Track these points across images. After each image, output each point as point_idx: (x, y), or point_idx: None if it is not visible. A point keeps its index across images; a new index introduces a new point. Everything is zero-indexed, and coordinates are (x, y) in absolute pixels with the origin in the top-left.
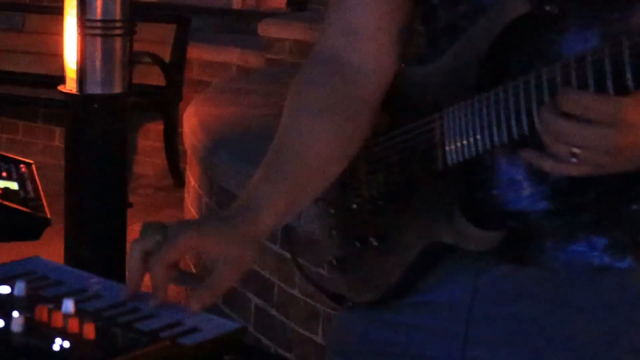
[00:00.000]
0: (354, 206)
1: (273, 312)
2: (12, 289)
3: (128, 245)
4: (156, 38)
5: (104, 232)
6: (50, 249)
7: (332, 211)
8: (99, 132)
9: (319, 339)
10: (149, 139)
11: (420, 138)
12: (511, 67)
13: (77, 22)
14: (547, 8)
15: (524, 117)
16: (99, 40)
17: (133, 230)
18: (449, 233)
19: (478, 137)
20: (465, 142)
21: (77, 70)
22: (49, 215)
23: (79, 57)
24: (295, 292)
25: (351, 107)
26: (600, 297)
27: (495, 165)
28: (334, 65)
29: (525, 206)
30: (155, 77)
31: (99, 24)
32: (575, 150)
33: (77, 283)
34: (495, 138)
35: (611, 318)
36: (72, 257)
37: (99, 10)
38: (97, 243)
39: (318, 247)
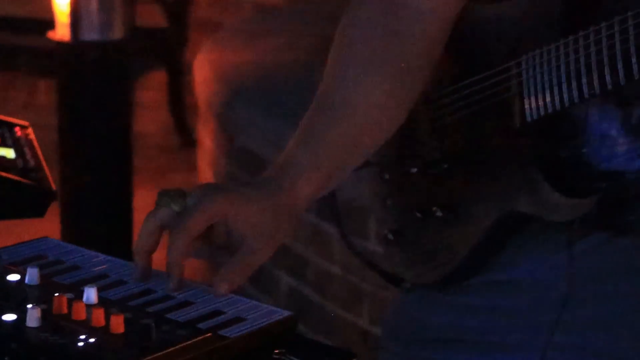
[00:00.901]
0: (414, 170)
1: (308, 292)
2: (23, 276)
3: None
4: None
5: (106, 204)
6: (46, 226)
7: (387, 177)
8: (98, 87)
9: (363, 323)
10: (150, 90)
11: (493, 90)
12: (605, 3)
13: None
14: None
15: (619, 65)
16: None
17: (136, 200)
18: (529, 201)
19: (563, 88)
20: (548, 94)
21: (69, 13)
22: (54, 187)
23: None
24: (335, 269)
25: (408, 53)
26: None
27: (584, 119)
28: (388, 3)
29: (620, 165)
30: (155, 18)
31: None
32: None
33: (97, 267)
34: (585, 89)
35: None
36: (70, 234)
37: None
38: (99, 217)
39: (368, 219)
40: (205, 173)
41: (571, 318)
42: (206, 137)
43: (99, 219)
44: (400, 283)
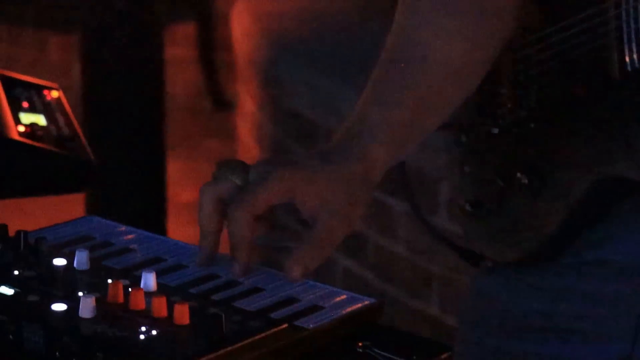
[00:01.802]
0: (495, 131)
1: (368, 275)
2: (71, 260)
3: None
4: None
5: (137, 176)
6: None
7: (464, 139)
8: (126, 42)
9: (433, 310)
10: (177, 45)
11: (586, 36)
12: None
13: None
14: None
15: None
16: None
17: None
18: (630, 164)
19: None
20: None
21: None
22: (92, 157)
23: None
24: (399, 249)
25: None
26: None
27: None
28: None
29: None
30: None
31: None
32: None
33: (151, 250)
34: None
35: None
36: (97, 209)
37: None
38: (129, 190)
39: (439, 191)
40: (247, 140)
41: None
42: (247, 99)
43: (129, 192)
44: (480, 262)
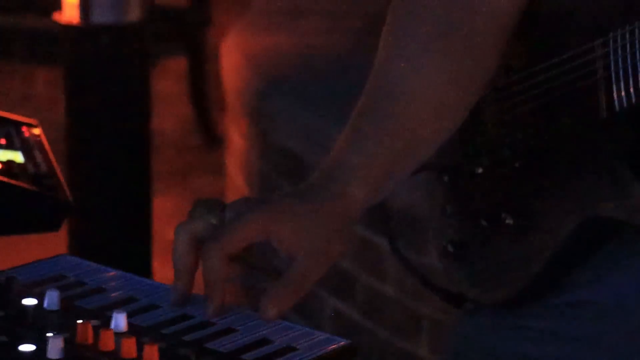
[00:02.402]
0: (479, 171)
1: (356, 316)
2: (41, 300)
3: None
4: None
5: (121, 214)
6: (51, 240)
7: (447, 179)
8: (112, 78)
9: (422, 351)
10: (168, 79)
11: (574, 75)
12: None
13: None
14: None
15: None
16: None
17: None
18: (616, 204)
19: None
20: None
21: None
22: (69, 196)
23: None
24: (388, 289)
25: (475, 30)
26: None
27: None
28: None
29: None
30: None
31: None
32: None
33: (124, 290)
34: None
35: None
36: (80, 248)
37: None
38: (113, 228)
39: (425, 229)
40: (235, 177)
41: None
42: (236, 134)
43: (113, 230)
44: (462, 303)
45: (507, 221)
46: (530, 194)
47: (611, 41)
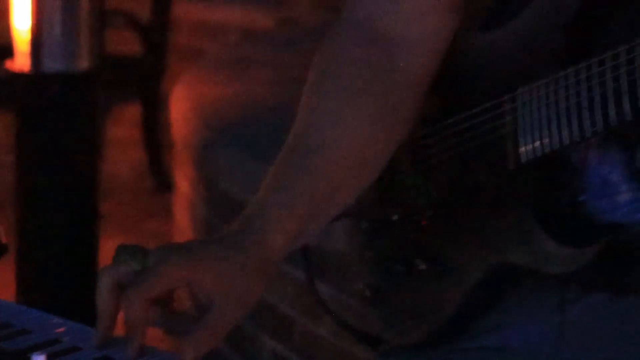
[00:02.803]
0: (395, 218)
1: (295, 358)
2: None
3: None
4: None
5: (68, 258)
6: None
7: (365, 225)
8: (61, 124)
9: None
10: (123, 126)
11: (484, 128)
12: (610, 33)
13: None
14: None
15: (625, 99)
16: None
17: (104, 250)
18: (523, 252)
19: (563, 125)
20: (545, 132)
21: (30, 40)
22: (4, 240)
23: (33, 23)
24: (325, 332)
25: (392, 88)
26: None
27: (584, 163)
28: (370, 32)
29: (623, 217)
30: (129, 44)
31: None
32: None
33: (49, 332)
34: (587, 127)
35: None
36: (26, 292)
37: None
38: (60, 273)
39: (344, 271)
40: (182, 221)
41: None
42: (183, 181)
43: (60, 275)
44: (378, 345)
45: (421, 267)
46: (443, 241)
47: (519, 97)
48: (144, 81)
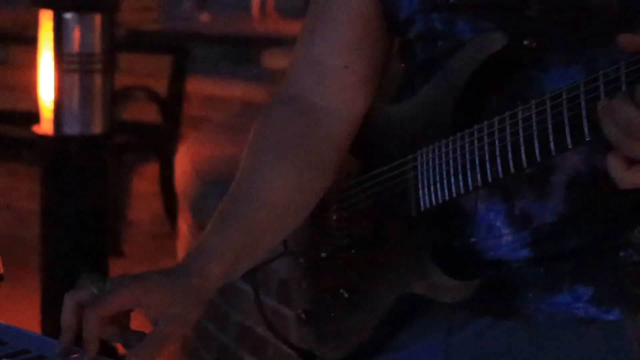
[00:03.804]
0: (324, 255)
1: None
2: None
3: None
4: (151, 70)
5: None
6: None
7: (302, 261)
8: (78, 177)
9: None
10: (145, 181)
11: (393, 182)
12: (491, 105)
13: (53, 56)
14: (526, 42)
15: (498, 159)
16: (77, 76)
17: None
18: (422, 283)
19: (452, 180)
20: (439, 185)
21: (53, 110)
22: (1, 270)
23: (55, 95)
24: (291, 352)
25: (316, 149)
26: (586, 352)
27: (473, 210)
28: (299, 104)
29: (505, 254)
30: (150, 114)
31: (76, 59)
32: None
33: (22, 344)
34: (469, 181)
35: None
36: (52, 323)
37: (76, 43)
38: None
39: (287, 300)
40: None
41: None
42: (183, 225)
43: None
44: (313, 359)
45: (345, 295)
46: (361, 274)
47: (418, 157)
48: (161, 144)
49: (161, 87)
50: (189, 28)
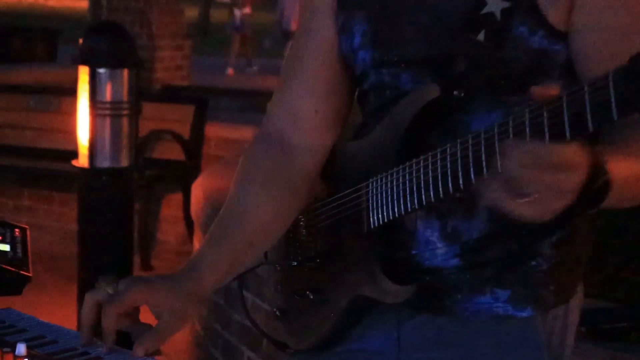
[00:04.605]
0: (295, 263)
1: None
2: None
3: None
4: (177, 117)
5: None
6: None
7: (278, 268)
8: (109, 202)
9: None
10: (171, 208)
11: (349, 204)
12: (430, 142)
13: (89, 104)
14: (455, 93)
15: (431, 186)
16: (108, 119)
17: None
18: (372, 287)
19: (396, 202)
20: (386, 207)
21: (88, 147)
22: (30, 274)
23: (90, 135)
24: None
25: (291, 179)
26: (505, 342)
27: (413, 228)
28: (277, 142)
29: (439, 263)
30: (176, 153)
31: (108, 105)
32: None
33: (39, 331)
34: (408, 204)
35: None
36: None
37: (108, 93)
38: None
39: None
40: None
41: None
42: (197, 244)
43: None
44: (286, 349)
45: (311, 297)
46: (324, 279)
47: (370, 184)
48: (185, 178)
49: (185, 131)
50: (212, 83)
